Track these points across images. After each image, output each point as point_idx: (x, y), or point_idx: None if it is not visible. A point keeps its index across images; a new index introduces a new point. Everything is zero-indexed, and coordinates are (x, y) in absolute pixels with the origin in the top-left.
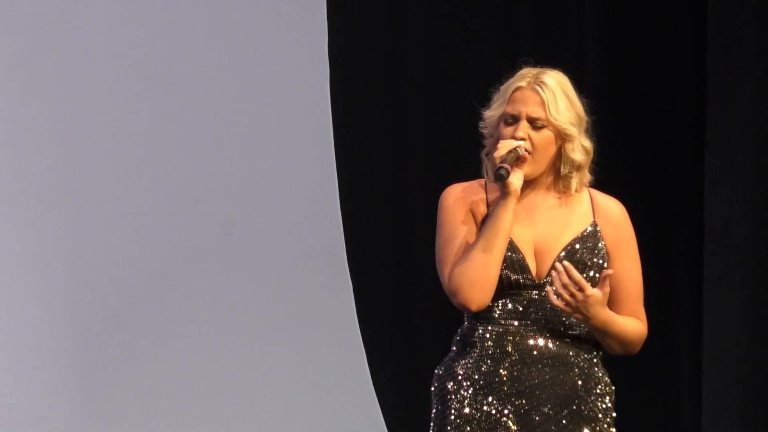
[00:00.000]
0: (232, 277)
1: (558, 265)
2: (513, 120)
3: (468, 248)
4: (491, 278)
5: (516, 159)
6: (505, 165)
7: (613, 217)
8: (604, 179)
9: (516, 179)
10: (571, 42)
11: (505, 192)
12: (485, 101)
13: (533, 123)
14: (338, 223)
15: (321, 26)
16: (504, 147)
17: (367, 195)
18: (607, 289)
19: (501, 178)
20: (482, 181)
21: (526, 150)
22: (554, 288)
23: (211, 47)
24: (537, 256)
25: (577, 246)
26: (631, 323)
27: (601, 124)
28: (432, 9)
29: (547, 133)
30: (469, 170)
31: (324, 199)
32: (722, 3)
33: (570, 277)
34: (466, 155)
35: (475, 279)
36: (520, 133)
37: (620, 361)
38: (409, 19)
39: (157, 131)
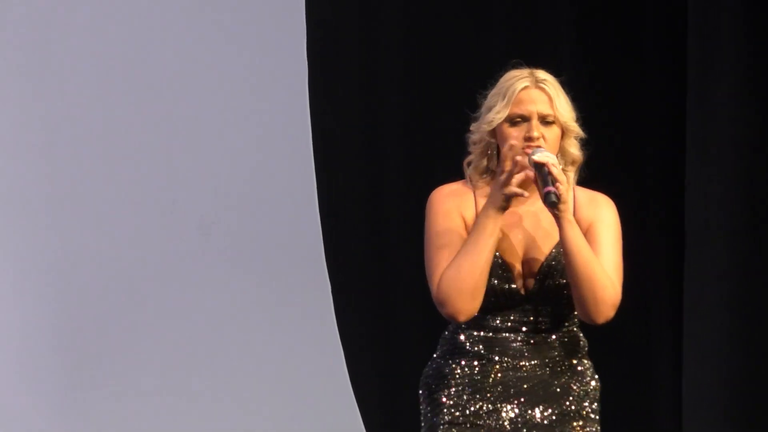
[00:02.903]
0: (210, 278)
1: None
2: (522, 120)
3: (455, 257)
4: (480, 286)
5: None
6: (552, 189)
7: (593, 206)
8: (584, 180)
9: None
10: (548, 45)
11: (500, 204)
12: (463, 101)
13: (543, 119)
14: (316, 223)
15: (299, 26)
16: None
17: (345, 195)
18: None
19: (554, 206)
20: (468, 184)
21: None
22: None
23: (189, 47)
24: (523, 264)
25: (557, 259)
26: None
27: (579, 126)
28: (409, 8)
29: (556, 130)
30: (448, 169)
31: (302, 199)
32: (702, 4)
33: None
34: (445, 154)
35: (464, 287)
36: (535, 133)
37: (600, 360)
38: (387, 18)
39: (135, 132)
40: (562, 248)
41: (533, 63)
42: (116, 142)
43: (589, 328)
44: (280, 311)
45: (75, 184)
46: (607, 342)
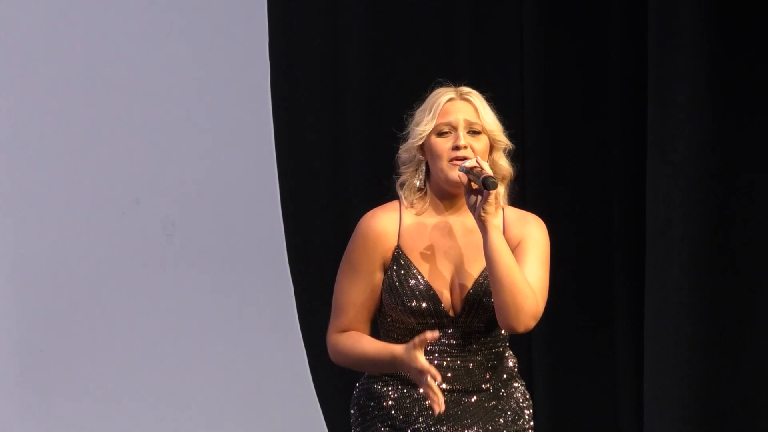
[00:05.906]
0: (173, 278)
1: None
2: (449, 129)
3: (357, 347)
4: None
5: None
6: (489, 173)
7: (522, 224)
8: (544, 184)
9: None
10: (511, 45)
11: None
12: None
13: (471, 128)
14: (279, 223)
15: (262, 27)
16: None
17: (307, 195)
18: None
19: (495, 186)
20: (398, 205)
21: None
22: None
23: (151, 47)
24: (452, 286)
25: (487, 281)
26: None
27: (541, 128)
28: (372, 10)
29: (484, 140)
30: None
31: (265, 199)
32: (662, 5)
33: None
34: None
35: (349, 365)
36: (461, 141)
37: (562, 362)
38: (349, 20)
39: (97, 131)
40: (485, 254)
41: (496, 68)
42: (78, 141)
43: (551, 330)
44: (243, 311)
45: (37, 182)
46: (569, 343)
